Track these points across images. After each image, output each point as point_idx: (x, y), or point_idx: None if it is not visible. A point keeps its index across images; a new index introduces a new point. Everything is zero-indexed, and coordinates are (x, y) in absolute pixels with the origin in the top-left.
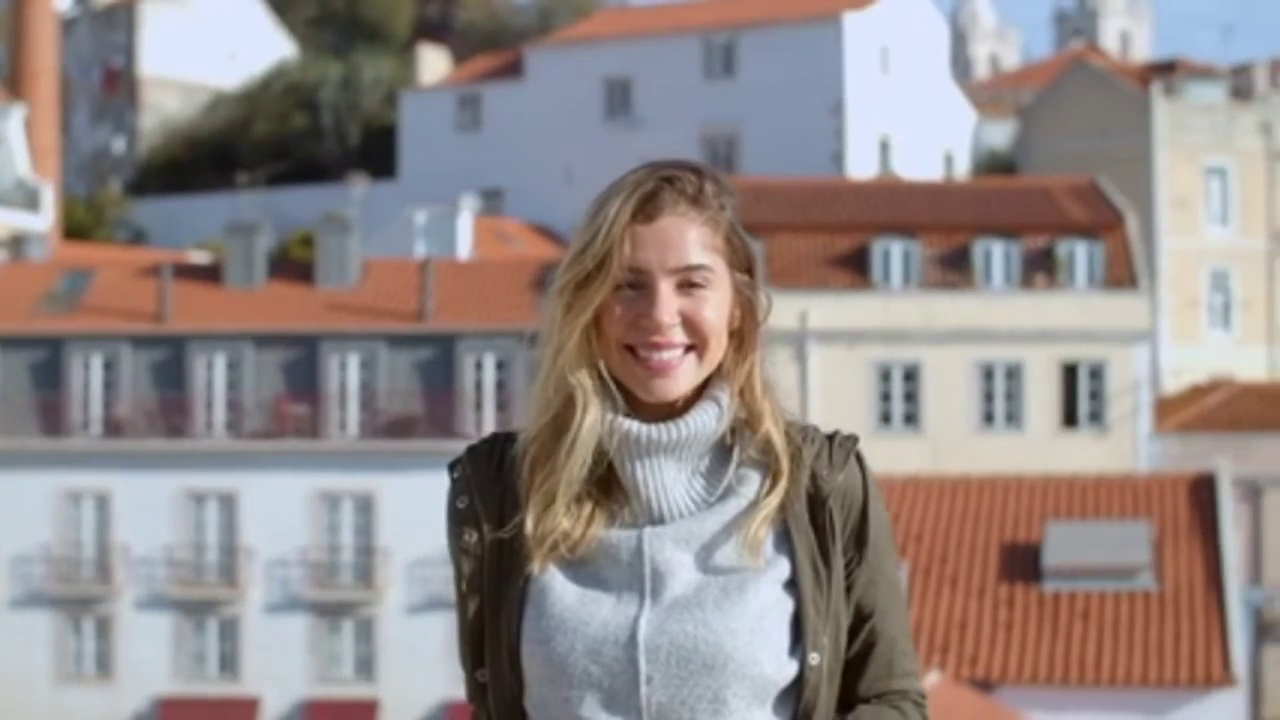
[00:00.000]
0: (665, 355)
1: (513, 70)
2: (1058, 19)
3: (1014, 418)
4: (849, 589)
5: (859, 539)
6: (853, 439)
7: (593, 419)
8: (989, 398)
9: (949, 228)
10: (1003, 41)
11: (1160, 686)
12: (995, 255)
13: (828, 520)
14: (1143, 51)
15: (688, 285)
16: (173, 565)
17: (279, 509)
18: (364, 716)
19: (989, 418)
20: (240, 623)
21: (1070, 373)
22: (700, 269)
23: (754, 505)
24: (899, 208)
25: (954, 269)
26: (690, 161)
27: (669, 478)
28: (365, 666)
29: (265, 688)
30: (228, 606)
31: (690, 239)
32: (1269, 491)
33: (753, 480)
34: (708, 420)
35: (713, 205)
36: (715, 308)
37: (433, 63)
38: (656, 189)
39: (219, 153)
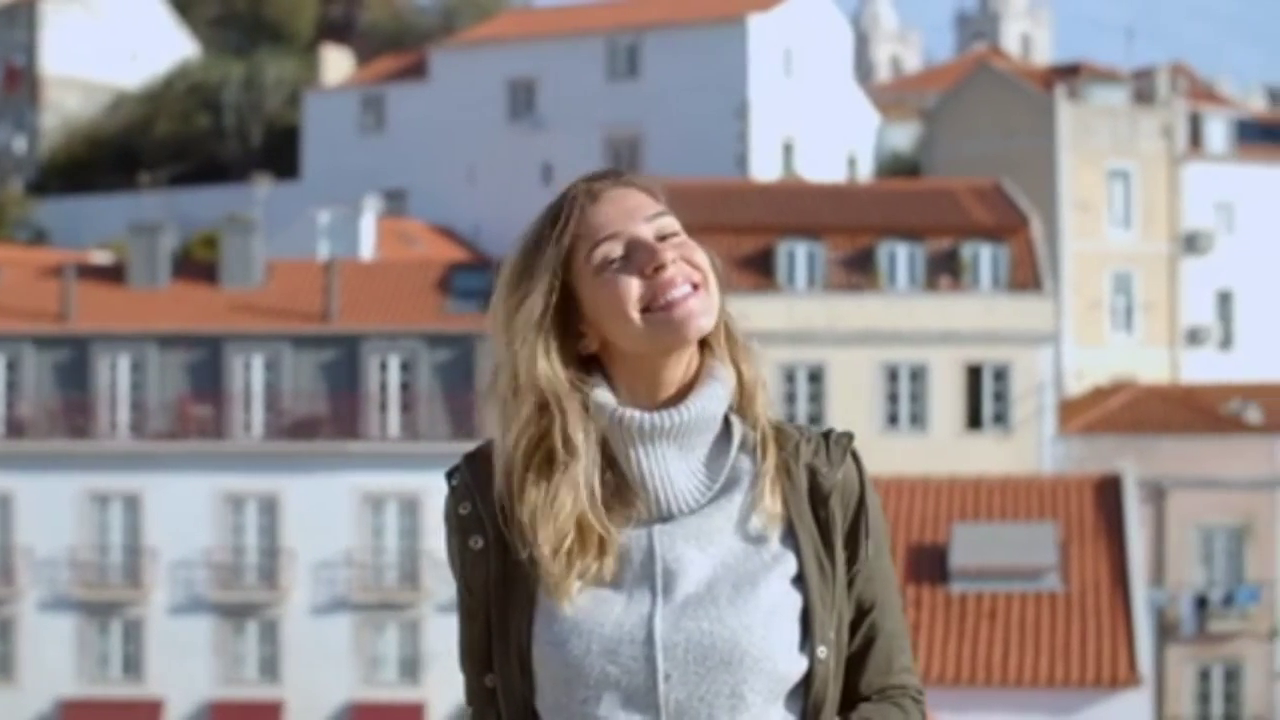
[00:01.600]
0: (682, 291)
1: (416, 71)
2: (959, 21)
3: (918, 419)
4: (849, 584)
5: (858, 534)
6: (848, 436)
7: (575, 415)
8: (893, 399)
9: (853, 230)
10: (904, 44)
11: (1067, 687)
12: (900, 257)
13: (829, 516)
14: (1043, 55)
15: (662, 237)
16: (76, 567)
17: (183, 510)
18: (269, 717)
19: (893, 419)
20: (144, 624)
21: (974, 374)
22: (665, 214)
23: (757, 478)
24: (803, 210)
25: (858, 271)
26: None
27: (674, 468)
28: (270, 667)
29: (169, 689)
30: (131, 608)
31: (642, 199)
32: (1171, 493)
33: (750, 469)
34: (710, 402)
35: (641, 182)
36: (697, 249)
37: (336, 63)
38: (588, 185)
39: (121, 152)
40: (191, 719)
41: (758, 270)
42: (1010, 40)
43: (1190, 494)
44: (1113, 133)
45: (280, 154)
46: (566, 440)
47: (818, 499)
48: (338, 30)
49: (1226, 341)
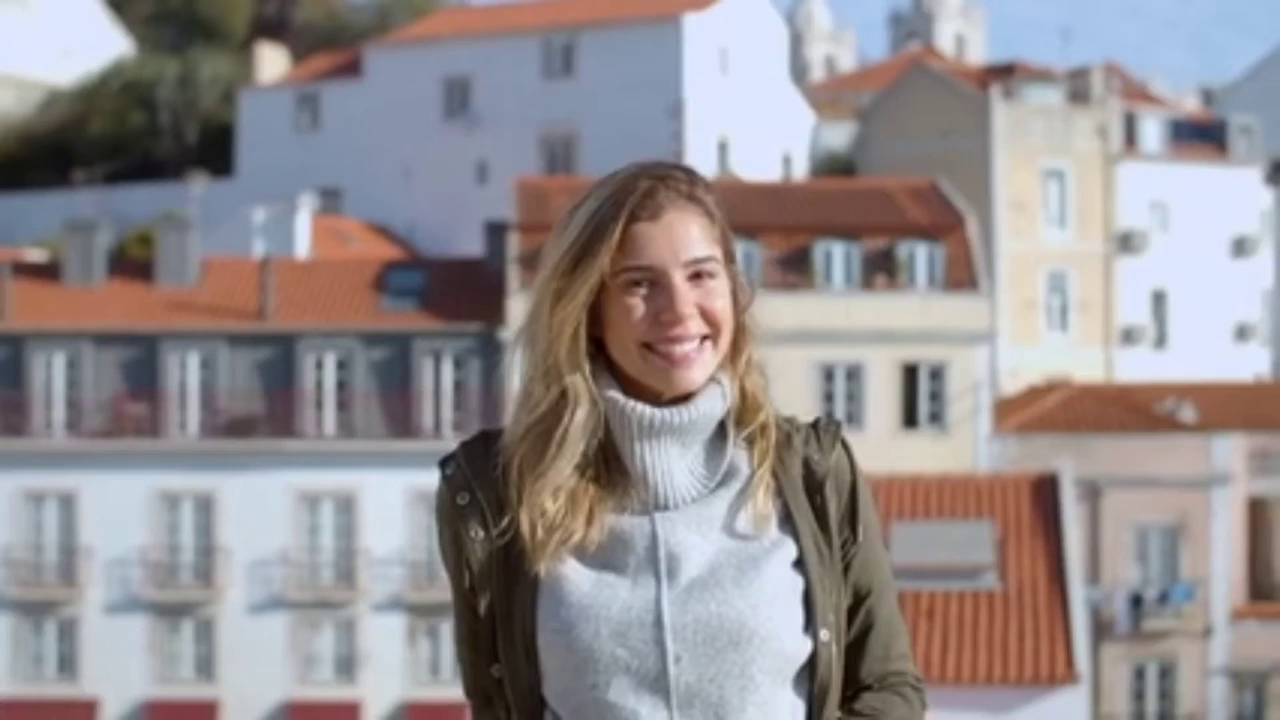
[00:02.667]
0: (686, 347)
1: (351, 69)
2: (893, 21)
3: (854, 418)
4: (845, 570)
5: (851, 520)
6: (837, 424)
7: (581, 417)
8: (829, 398)
9: (789, 229)
10: (838, 43)
11: (1005, 685)
12: (835, 256)
13: (824, 502)
14: (977, 55)
15: (697, 277)
16: (11, 565)
17: (119, 508)
18: (204, 717)
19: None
20: (79, 623)
21: (910, 373)
22: (709, 260)
23: (750, 481)
24: (739, 209)
25: (794, 270)
26: (674, 162)
27: (674, 463)
28: (205, 667)
29: (105, 689)
30: (66, 607)
31: (695, 232)
32: (1106, 492)
33: (746, 462)
34: (713, 403)
35: (706, 200)
36: (723, 297)
37: (271, 61)
38: (653, 187)
39: (55, 150)
40: (127, 719)
41: None
42: (944, 40)
43: (1125, 493)
44: (1048, 132)
45: (215, 152)
46: (574, 425)
47: (812, 486)
48: (272, 28)
49: (1161, 341)
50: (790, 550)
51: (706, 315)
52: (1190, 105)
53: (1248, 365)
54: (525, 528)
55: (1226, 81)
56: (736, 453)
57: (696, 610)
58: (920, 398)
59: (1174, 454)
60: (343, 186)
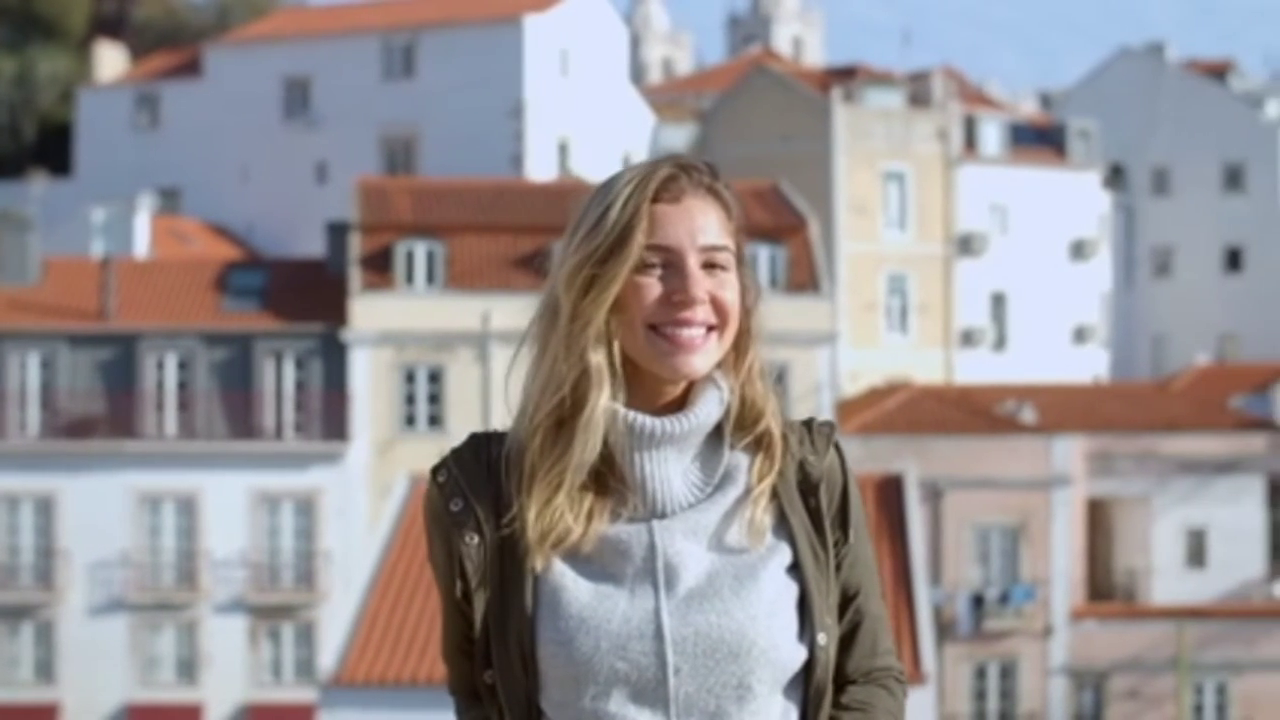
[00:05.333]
0: (693, 332)
1: (191, 69)
2: (730, 24)
3: None
4: (836, 570)
5: (842, 521)
6: (830, 425)
7: (606, 401)
8: None
9: None
10: (676, 46)
11: None
12: None
13: (819, 505)
14: (815, 58)
15: (710, 266)
16: None
17: None
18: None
19: None
20: None
21: None
22: (724, 249)
23: (750, 491)
24: (579, 210)
25: None
26: (700, 157)
27: (671, 470)
28: (45, 669)
29: None
30: None
31: (713, 220)
32: (948, 493)
33: (744, 467)
34: (711, 409)
35: (725, 196)
36: (734, 290)
37: (110, 60)
38: (675, 174)
39: None
40: None
41: (535, 270)
42: (782, 43)
43: (966, 494)
44: (888, 135)
45: (53, 151)
46: (598, 409)
47: (807, 488)
48: (111, 26)
49: (1000, 343)
50: (785, 555)
51: (716, 305)
52: (1028, 109)
53: (1086, 367)
54: (530, 517)
55: (1063, 86)
56: (733, 455)
57: (697, 622)
58: None
59: (1014, 455)
60: (182, 186)
